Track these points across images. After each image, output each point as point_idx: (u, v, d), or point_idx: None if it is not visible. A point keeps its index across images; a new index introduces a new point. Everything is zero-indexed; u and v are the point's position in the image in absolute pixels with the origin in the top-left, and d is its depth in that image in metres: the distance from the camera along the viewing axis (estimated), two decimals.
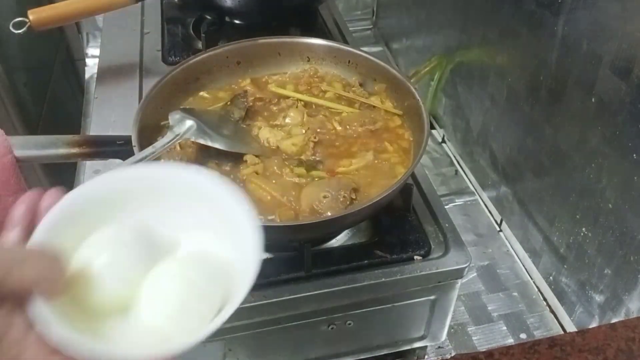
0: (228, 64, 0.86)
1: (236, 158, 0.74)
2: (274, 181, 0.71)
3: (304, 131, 0.77)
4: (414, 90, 0.77)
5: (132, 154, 0.66)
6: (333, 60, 0.87)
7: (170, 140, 0.69)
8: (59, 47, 1.64)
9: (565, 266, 0.91)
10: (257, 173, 0.72)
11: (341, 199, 0.67)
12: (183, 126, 0.70)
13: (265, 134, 0.78)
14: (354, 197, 0.68)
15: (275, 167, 0.72)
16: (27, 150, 0.67)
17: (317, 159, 0.74)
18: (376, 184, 0.72)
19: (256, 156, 0.74)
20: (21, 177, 0.68)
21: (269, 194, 0.70)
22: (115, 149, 0.69)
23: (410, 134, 0.79)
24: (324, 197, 0.67)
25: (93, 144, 0.68)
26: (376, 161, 0.74)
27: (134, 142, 0.67)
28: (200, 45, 1.07)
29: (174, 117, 0.72)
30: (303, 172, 0.72)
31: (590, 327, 0.73)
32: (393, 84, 0.82)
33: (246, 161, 0.73)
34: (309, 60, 0.87)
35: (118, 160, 0.69)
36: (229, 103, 0.81)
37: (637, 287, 0.75)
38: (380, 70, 0.83)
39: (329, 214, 0.66)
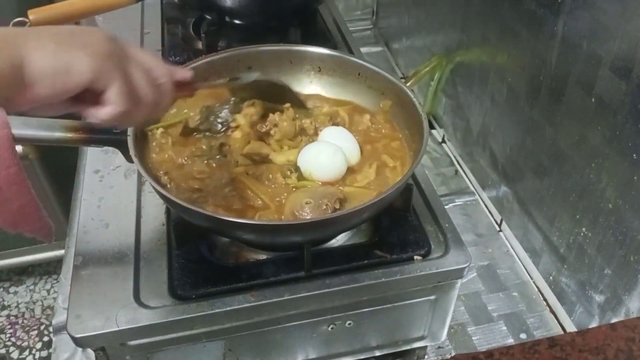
0: (239, 67, 0.85)
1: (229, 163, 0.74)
2: (265, 183, 0.72)
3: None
4: (417, 103, 0.77)
5: (125, 144, 0.66)
6: (343, 72, 0.86)
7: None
8: None
9: (565, 266, 0.91)
10: (247, 173, 0.73)
11: (323, 207, 0.67)
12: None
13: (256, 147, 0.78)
14: (337, 206, 0.68)
15: (269, 171, 0.73)
16: (25, 130, 0.66)
17: None
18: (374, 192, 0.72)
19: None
20: (16, 153, 0.67)
21: (257, 196, 0.70)
22: (111, 137, 0.69)
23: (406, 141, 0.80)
24: (306, 203, 0.67)
25: (90, 131, 0.68)
26: (378, 176, 0.75)
27: (129, 131, 0.67)
28: (200, 45, 1.07)
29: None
30: (295, 179, 0.73)
31: (590, 327, 0.73)
32: (397, 95, 0.81)
33: (237, 162, 0.74)
34: (319, 70, 0.87)
35: (119, 155, 0.69)
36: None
37: (637, 287, 0.75)
38: (387, 84, 0.82)
39: (308, 219, 0.66)
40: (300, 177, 0.73)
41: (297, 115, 0.81)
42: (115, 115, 0.50)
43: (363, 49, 1.29)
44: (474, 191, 1.19)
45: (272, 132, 0.79)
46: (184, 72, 0.62)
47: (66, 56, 0.45)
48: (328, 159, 0.74)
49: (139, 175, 0.82)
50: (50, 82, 0.45)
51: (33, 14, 0.89)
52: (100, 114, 0.50)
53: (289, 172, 0.73)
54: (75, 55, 0.46)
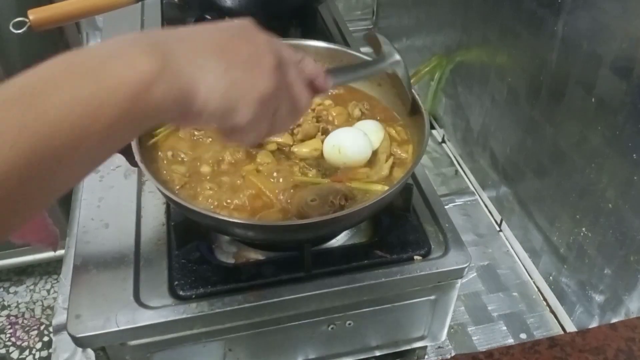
0: None
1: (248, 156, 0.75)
2: (273, 180, 0.71)
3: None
4: (415, 95, 0.77)
5: (129, 147, 0.66)
6: (339, 64, 0.86)
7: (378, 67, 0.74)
8: (59, 47, 1.64)
9: (565, 266, 0.91)
10: (257, 171, 0.73)
11: (329, 204, 0.67)
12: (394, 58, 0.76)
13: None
14: (343, 203, 0.68)
15: (285, 168, 0.73)
16: None
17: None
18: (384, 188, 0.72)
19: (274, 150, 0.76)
20: None
21: (264, 193, 0.70)
22: None
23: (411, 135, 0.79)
24: (312, 200, 0.67)
25: None
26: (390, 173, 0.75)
27: None
28: None
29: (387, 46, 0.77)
30: (306, 177, 0.73)
31: (590, 327, 0.73)
32: (396, 88, 0.81)
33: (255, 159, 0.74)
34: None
35: (118, 155, 0.69)
36: None
37: (637, 287, 0.75)
38: (384, 75, 0.82)
39: (314, 217, 0.66)
40: (319, 173, 0.74)
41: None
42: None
43: (363, 49, 1.28)
44: (474, 191, 1.19)
45: (295, 131, 0.79)
46: (324, 82, 0.54)
47: (234, 96, 0.43)
48: (355, 140, 0.75)
49: (139, 175, 0.82)
50: (214, 119, 0.44)
51: (33, 14, 0.89)
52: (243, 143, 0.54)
53: (308, 169, 0.73)
54: (242, 97, 0.44)
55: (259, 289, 0.67)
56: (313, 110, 0.82)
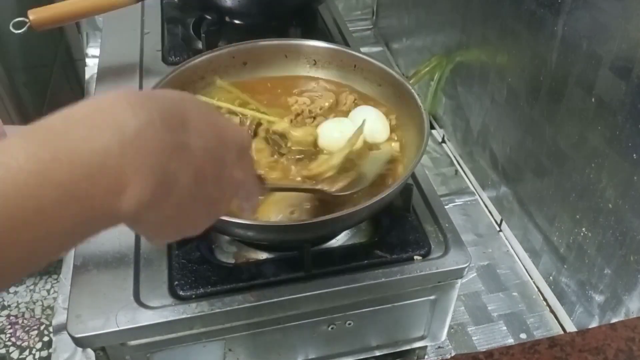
0: (234, 64, 0.86)
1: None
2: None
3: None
4: (415, 95, 0.77)
5: None
6: (339, 64, 0.86)
7: None
8: (59, 47, 1.65)
9: (565, 266, 0.91)
10: None
11: (308, 207, 0.67)
12: None
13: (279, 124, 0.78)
14: (317, 204, 0.68)
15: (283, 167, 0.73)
16: None
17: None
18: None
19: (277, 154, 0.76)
20: None
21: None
22: None
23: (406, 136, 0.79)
24: (291, 212, 0.68)
25: None
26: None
27: None
28: (200, 45, 1.07)
29: None
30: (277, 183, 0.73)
31: (590, 327, 0.73)
32: (395, 87, 0.82)
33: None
34: (315, 63, 0.87)
35: None
36: None
37: (637, 287, 0.75)
38: (384, 75, 0.83)
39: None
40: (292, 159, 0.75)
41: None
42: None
43: (363, 49, 1.29)
44: (474, 191, 1.19)
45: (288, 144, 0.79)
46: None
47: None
48: (377, 119, 0.79)
49: None
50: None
51: (33, 14, 0.89)
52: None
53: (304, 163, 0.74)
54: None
55: (259, 289, 0.67)
56: (319, 110, 0.83)
